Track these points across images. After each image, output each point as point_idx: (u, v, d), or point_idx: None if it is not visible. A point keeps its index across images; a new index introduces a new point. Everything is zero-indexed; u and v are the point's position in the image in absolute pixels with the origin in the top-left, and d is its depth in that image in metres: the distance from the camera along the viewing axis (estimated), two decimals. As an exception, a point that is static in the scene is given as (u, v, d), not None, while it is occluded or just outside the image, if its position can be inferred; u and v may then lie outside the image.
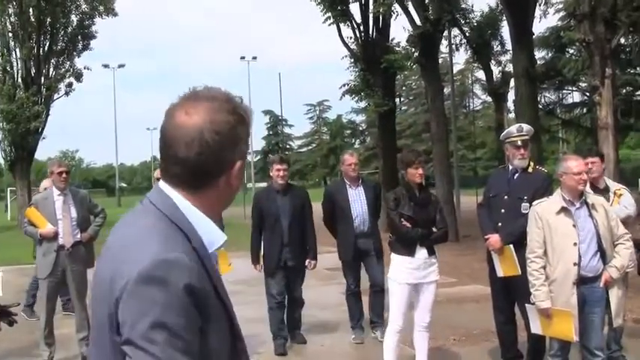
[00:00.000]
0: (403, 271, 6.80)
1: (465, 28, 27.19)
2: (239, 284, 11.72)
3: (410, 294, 6.87)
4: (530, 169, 6.90)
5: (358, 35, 25.88)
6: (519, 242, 6.42)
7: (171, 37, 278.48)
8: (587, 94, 33.81)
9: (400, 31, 23.43)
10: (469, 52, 29.64)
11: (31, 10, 35.15)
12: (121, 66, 76.65)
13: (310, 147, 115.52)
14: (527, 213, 6.33)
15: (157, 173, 8.35)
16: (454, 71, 32.82)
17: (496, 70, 30.39)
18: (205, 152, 1.85)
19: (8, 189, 47.23)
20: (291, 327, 8.67)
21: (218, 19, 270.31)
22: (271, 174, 8.46)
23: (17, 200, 38.01)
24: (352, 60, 26.49)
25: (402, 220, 6.83)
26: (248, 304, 9.72)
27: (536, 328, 6.06)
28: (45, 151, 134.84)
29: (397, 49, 24.60)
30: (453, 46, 27.40)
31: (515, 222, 6.67)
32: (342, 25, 25.85)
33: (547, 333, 6.01)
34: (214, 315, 1.80)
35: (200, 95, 1.91)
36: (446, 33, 24.81)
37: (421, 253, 6.81)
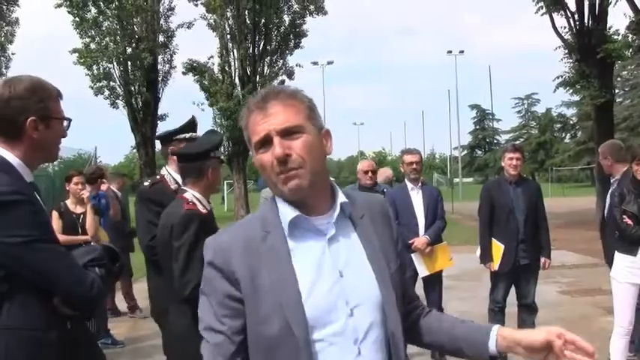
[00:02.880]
0: (624, 270, 6.43)
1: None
2: (452, 279, 11.60)
3: (634, 294, 6.47)
4: None
5: (573, 24, 24.83)
6: None
7: (374, 34, 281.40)
8: None
9: (619, 18, 22.24)
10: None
11: (246, 12, 36.79)
12: (329, 63, 78.66)
13: (518, 141, 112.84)
14: None
15: None
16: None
17: None
18: None
19: (225, 182, 49.49)
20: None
21: (421, 13, 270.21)
22: (502, 164, 7.79)
23: (234, 192, 39.83)
24: (566, 51, 25.47)
25: (625, 217, 6.42)
26: (464, 300, 9.49)
27: None
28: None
29: (616, 37, 23.38)
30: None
31: None
32: (555, 14, 24.94)
33: None
34: (265, 297, 2.06)
35: None
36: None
37: None
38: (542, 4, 24.80)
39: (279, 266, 2.04)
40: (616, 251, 6.56)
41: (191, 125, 5.19)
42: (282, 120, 2.07)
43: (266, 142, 2.08)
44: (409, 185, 7.96)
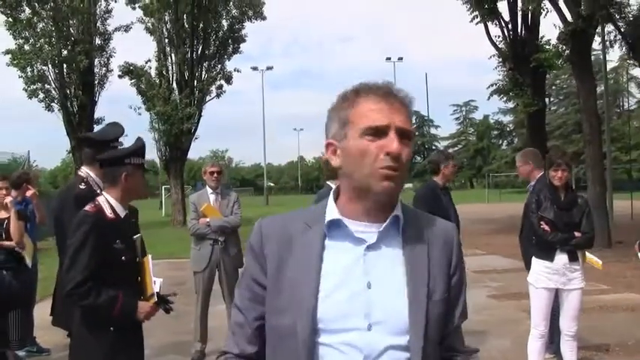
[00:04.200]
0: (541, 275, 6.60)
1: (620, 23, 26.10)
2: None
3: (549, 299, 6.64)
4: None
5: (506, 34, 25.32)
6: None
7: (314, 40, 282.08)
8: None
9: (550, 28, 22.73)
10: (624, 48, 28.46)
11: (185, 16, 36.67)
12: (269, 68, 78.62)
13: (456, 148, 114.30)
14: None
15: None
16: (607, 69, 31.58)
17: (653, 68, 29.03)
18: None
19: (163, 187, 49.09)
20: None
21: (360, 20, 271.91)
22: (445, 171, 7.66)
23: (171, 197, 39.64)
24: (500, 59, 25.95)
25: (542, 223, 6.61)
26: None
27: None
28: (197, 151, 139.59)
29: (547, 47, 23.90)
30: (607, 43, 26.31)
31: None
32: (489, 23, 25.39)
33: None
34: (286, 288, 2.06)
35: None
36: (599, 29, 23.87)
37: (561, 258, 6.55)
38: (477, 13, 25.21)
39: (308, 262, 2.00)
40: (533, 257, 6.74)
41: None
42: (405, 120, 2.00)
43: (379, 132, 1.96)
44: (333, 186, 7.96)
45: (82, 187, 5.67)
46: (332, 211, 2.06)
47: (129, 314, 4.35)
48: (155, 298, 4.60)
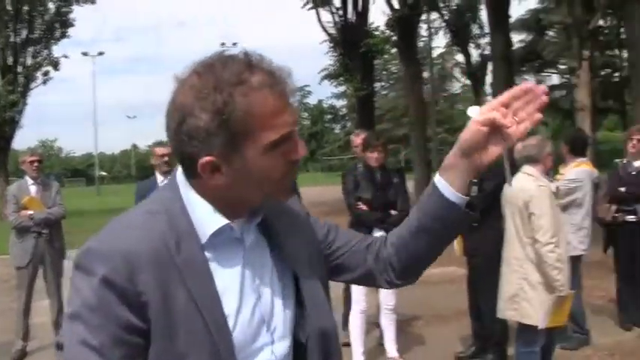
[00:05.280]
0: None
1: (444, 12, 27.25)
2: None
3: None
4: None
5: (337, 20, 25.79)
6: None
7: (148, 25, 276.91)
8: (566, 76, 33.92)
9: (379, 15, 23.41)
10: (448, 35, 29.71)
11: (7, -2, 34.93)
12: (100, 53, 76.22)
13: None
14: None
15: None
16: (434, 55, 32.83)
17: (475, 54, 30.45)
18: None
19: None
20: None
21: (194, 5, 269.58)
22: None
23: (-4, 190, 37.77)
24: (331, 44, 26.42)
25: (359, 203, 6.82)
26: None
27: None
28: (25, 140, 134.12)
29: (376, 33, 24.56)
30: (432, 30, 27.38)
31: None
32: (321, 9, 25.76)
33: (554, 323, 5.52)
34: (182, 325, 1.50)
35: None
36: (425, 17, 24.78)
37: (378, 235, 6.79)
38: (309, -1, 25.54)
39: (200, 285, 1.53)
40: None
41: None
42: (296, 113, 1.62)
43: (282, 142, 1.54)
44: (159, 178, 7.81)
45: None
46: (210, 215, 1.59)
47: None
48: None
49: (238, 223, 1.63)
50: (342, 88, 26.51)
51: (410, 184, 7.96)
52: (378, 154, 6.83)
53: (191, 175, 1.58)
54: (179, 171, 1.64)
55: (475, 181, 5.87)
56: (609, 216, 7.72)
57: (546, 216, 5.33)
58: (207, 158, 1.50)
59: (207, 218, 1.58)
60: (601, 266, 9.35)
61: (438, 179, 1.75)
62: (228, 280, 1.59)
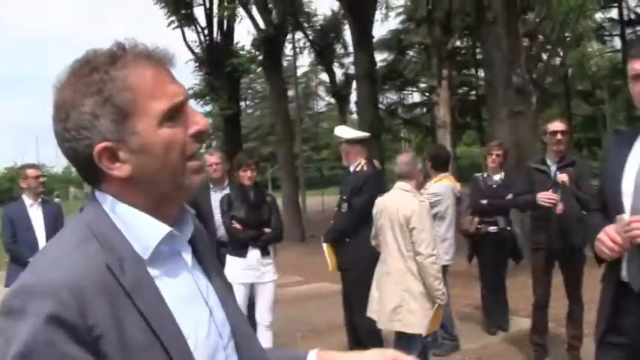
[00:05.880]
0: (237, 272, 6.82)
1: (309, 32, 27.67)
2: None
3: (245, 294, 6.91)
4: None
5: (203, 39, 25.74)
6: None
7: None
8: (427, 94, 35.03)
9: (245, 34, 23.56)
10: (313, 54, 30.17)
11: None
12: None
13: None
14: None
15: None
16: (299, 74, 33.22)
17: (339, 73, 31.03)
18: None
19: None
20: None
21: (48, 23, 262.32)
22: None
23: None
24: (197, 64, 26.32)
25: (234, 222, 6.90)
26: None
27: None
28: None
29: (242, 52, 24.67)
30: (297, 49, 27.73)
31: None
32: (186, 28, 25.65)
33: (432, 330, 5.95)
34: (140, 353, 1.34)
35: None
36: (290, 36, 25.08)
37: (253, 253, 6.90)
38: (174, 17, 25.33)
39: (152, 306, 1.38)
40: (227, 254, 6.99)
41: None
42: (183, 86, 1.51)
43: (175, 114, 1.44)
44: (28, 202, 7.59)
45: None
46: (148, 225, 1.46)
47: None
48: None
49: (177, 237, 1.51)
50: (208, 108, 26.20)
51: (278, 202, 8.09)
52: (251, 172, 6.93)
53: (96, 178, 1.46)
54: (96, 192, 1.49)
55: (345, 197, 6.11)
56: (472, 227, 8.11)
57: (427, 230, 5.61)
58: (101, 145, 1.39)
59: (144, 231, 1.44)
60: (466, 276, 9.76)
61: (311, 357, 1.74)
62: (179, 296, 1.46)
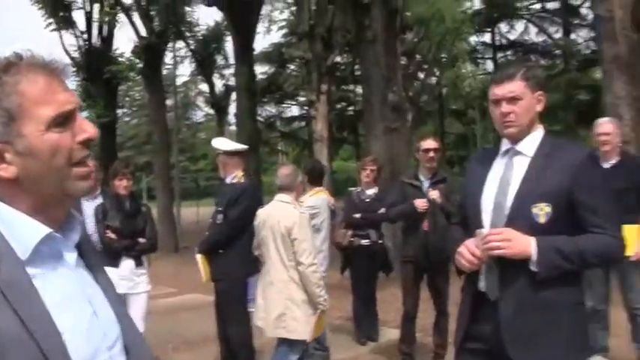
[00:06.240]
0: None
1: (190, 41, 27.55)
2: None
3: (124, 302, 6.85)
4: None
5: (81, 44, 25.20)
6: None
7: None
8: (305, 108, 35.37)
9: (125, 41, 23.22)
10: (193, 64, 30.04)
11: None
12: None
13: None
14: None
15: None
16: (178, 83, 33.01)
17: (219, 84, 31.01)
18: None
19: None
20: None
21: None
22: None
23: None
24: (74, 69, 25.72)
25: (108, 231, 6.85)
26: None
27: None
28: None
29: (121, 59, 24.31)
30: (178, 59, 27.58)
31: None
32: (64, 32, 25.03)
33: (315, 335, 6.19)
34: (14, 354, 1.34)
35: None
36: (171, 45, 24.93)
37: (127, 263, 6.88)
38: (52, 20, 24.70)
39: (28, 306, 1.39)
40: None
41: None
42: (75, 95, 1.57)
43: (65, 120, 1.49)
44: None
45: None
46: (28, 226, 1.49)
47: None
48: None
49: (62, 239, 1.56)
50: (84, 114, 25.52)
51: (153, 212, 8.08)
52: (127, 181, 6.93)
53: None
54: None
55: (220, 209, 6.21)
56: (346, 240, 8.32)
57: (308, 240, 5.81)
58: None
59: (24, 232, 1.47)
60: (339, 288, 9.94)
61: None
62: (59, 295, 1.47)
